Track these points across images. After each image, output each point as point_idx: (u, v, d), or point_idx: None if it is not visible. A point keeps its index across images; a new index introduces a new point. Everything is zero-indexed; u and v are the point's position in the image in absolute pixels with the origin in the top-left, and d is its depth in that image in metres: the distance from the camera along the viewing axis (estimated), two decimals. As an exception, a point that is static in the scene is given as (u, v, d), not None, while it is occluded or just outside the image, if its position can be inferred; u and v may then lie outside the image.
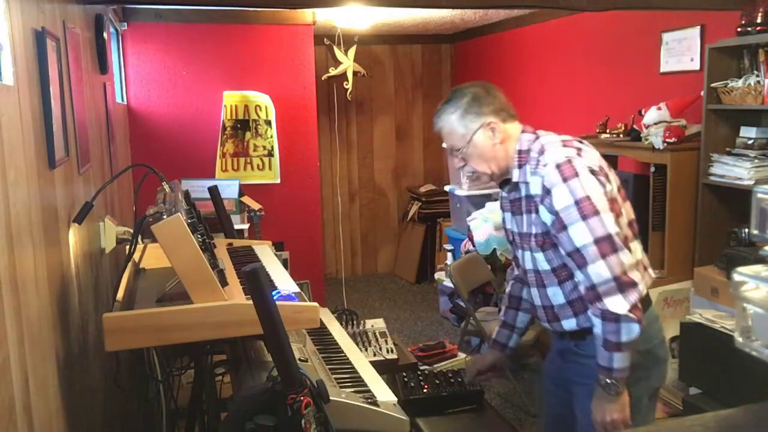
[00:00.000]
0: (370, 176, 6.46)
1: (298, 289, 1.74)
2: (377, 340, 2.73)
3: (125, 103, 4.18)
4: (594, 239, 1.68)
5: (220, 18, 4.35)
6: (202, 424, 2.16)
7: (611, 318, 1.67)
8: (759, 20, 2.92)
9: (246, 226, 3.61)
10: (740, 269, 1.22)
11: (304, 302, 1.63)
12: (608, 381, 1.72)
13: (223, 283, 1.58)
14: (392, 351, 2.66)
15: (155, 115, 4.33)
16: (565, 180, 1.70)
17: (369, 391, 1.69)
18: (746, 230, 2.83)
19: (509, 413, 3.52)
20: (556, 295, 1.83)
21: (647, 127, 3.33)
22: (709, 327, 2.68)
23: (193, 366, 2.08)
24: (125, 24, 4.16)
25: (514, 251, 2.00)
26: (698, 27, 3.46)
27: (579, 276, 1.73)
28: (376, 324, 2.87)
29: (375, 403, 1.60)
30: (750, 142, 2.99)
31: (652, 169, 3.34)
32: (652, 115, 3.34)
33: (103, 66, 2.77)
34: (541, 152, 1.78)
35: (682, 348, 2.94)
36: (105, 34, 2.82)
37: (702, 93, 3.16)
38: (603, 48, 4.28)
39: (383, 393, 1.68)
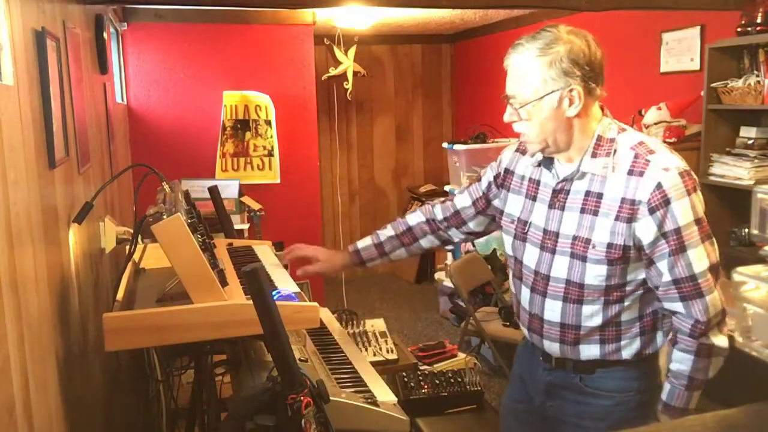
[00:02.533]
0: (370, 176, 6.46)
1: (298, 289, 1.74)
2: (377, 340, 2.72)
3: (125, 103, 4.18)
4: (710, 266, 1.46)
5: (220, 18, 4.35)
6: (202, 424, 2.16)
7: (707, 354, 1.49)
8: (759, 20, 2.92)
9: (246, 226, 3.61)
10: (740, 269, 1.22)
11: (304, 302, 1.63)
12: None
13: (223, 283, 1.58)
14: (392, 351, 2.65)
15: (155, 115, 4.33)
16: (688, 193, 1.44)
17: (369, 391, 1.69)
18: (746, 230, 2.83)
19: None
20: (594, 316, 1.54)
21: (647, 127, 3.33)
22: (709, 327, 2.68)
23: (193, 366, 2.08)
24: (125, 24, 4.16)
25: (517, 245, 1.66)
26: (698, 27, 3.46)
27: (678, 307, 1.48)
28: (376, 324, 2.86)
29: (375, 403, 1.59)
30: (750, 142, 2.99)
31: (652, 169, 3.34)
32: (652, 115, 3.34)
33: (103, 66, 2.77)
34: (650, 151, 1.47)
35: (682, 348, 2.94)
36: (105, 34, 2.82)
37: (702, 93, 3.16)
38: (603, 48, 4.28)
39: (383, 393, 1.68)
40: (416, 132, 6.53)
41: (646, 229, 1.45)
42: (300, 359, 1.63)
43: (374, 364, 2.03)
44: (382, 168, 6.47)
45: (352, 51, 5.53)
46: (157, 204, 1.80)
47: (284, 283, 1.85)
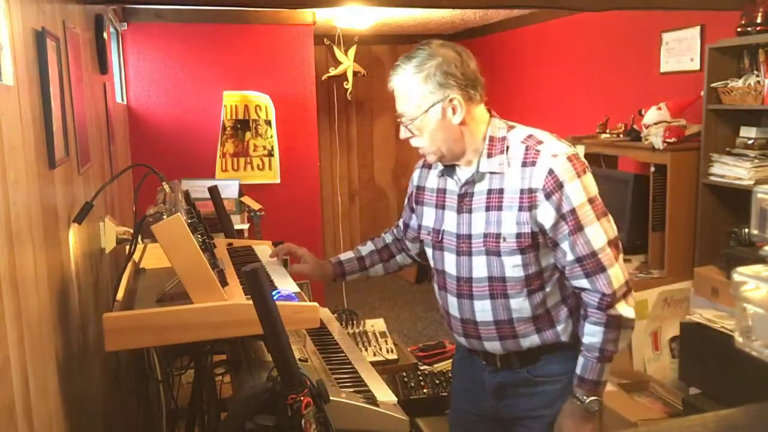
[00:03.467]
0: (370, 176, 6.46)
1: (298, 289, 1.74)
2: (377, 340, 2.73)
3: (125, 103, 4.18)
4: (608, 241, 1.53)
5: (220, 18, 4.35)
6: (202, 424, 2.16)
7: (616, 325, 1.55)
8: (759, 20, 2.92)
9: (246, 226, 3.61)
10: (740, 269, 1.22)
11: (304, 302, 1.63)
12: (593, 398, 1.58)
13: (223, 283, 1.58)
14: (392, 351, 2.66)
15: (155, 115, 4.33)
16: (578, 175, 1.52)
17: (369, 391, 1.69)
18: (746, 230, 2.83)
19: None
20: (522, 308, 1.60)
21: (647, 127, 3.33)
22: (709, 327, 2.68)
23: (193, 366, 2.08)
24: (125, 24, 4.16)
25: (435, 255, 1.71)
26: (698, 27, 3.46)
27: (583, 284, 1.55)
28: (376, 324, 2.87)
29: (375, 403, 1.59)
30: (750, 142, 2.99)
31: (652, 169, 3.34)
32: (652, 115, 3.34)
33: (103, 66, 2.77)
34: (538, 141, 1.56)
35: (682, 348, 2.94)
36: (105, 34, 2.82)
37: (702, 93, 3.16)
38: (603, 48, 4.28)
39: (383, 393, 1.68)
40: (416, 132, 6.53)
41: (545, 214, 1.53)
42: (300, 359, 1.63)
43: (374, 364, 2.04)
44: (382, 168, 6.47)
45: (352, 51, 5.53)
46: (157, 204, 1.80)
47: (284, 283, 1.85)
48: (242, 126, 4.39)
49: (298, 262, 2.02)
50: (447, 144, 1.59)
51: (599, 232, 1.53)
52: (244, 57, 4.42)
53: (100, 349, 1.83)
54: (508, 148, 1.58)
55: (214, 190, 2.43)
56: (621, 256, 1.57)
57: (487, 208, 1.59)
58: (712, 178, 3.10)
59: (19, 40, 1.38)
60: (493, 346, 1.66)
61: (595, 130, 3.89)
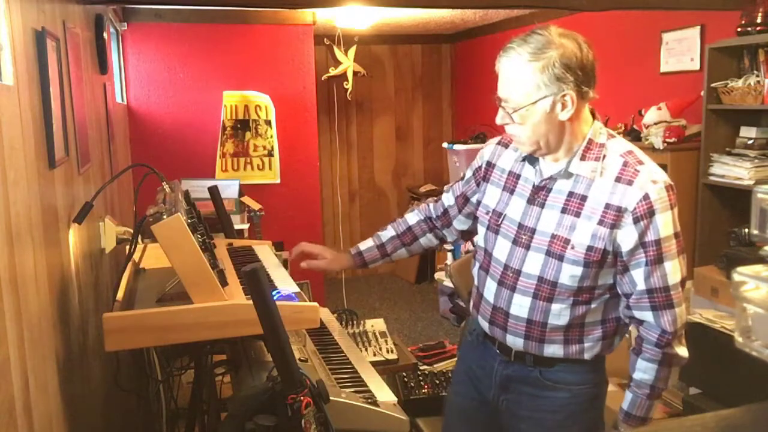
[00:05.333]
0: (370, 176, 6.46)
1: (298, 289, 1.74)
2: (377, 340, 2.72)
3: (125, 103, 4.18)
4: (681, 280, 1.50)
5: (220, 18, 4.35)
6: (202, 424, 2.16)
7: (669, 363, 1.51)
8: (759, 20, 2.92)
9: (246, 226, 3.61)
10: (740, 269, 1.21)
11: (304, 302, 1.63)
12: None
13: (223, 283, 1.58)
14: (392, 351, 2.65)
15: (155, 115, 4.33)
16: (671, 207, 1.47)
17: (369, 391, 1.69)
18: (746, 230, 2.83)
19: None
20: (561, 315, 1.55)
21: (647, 127, 3.33)
22: (709, 327, 2.68)
23: (193, 366, 2.08)
24: (125, 24, 4.16)
25: (489, 236, 1.66)
26: (698, 27, 3.46)
27: (648, 316, 1.50)
28: (376, 324, 2.87)
29: (375, 403, 1.59)
30: (750, 142, 2.99)
31: (652, 169, 3.34)
32: (652, 115, 3.34)
33: (103, 66, 2.77)
34: (639, 161, 1.49)
35: (682, 348, 2.94)
36: (105, 34, 2.82)
37: (702, 93, 3.16)
38: (603, 48, 4.28)
39: (383, 393, 1.68)
40: (416, 132, 6.53)
41: (627, 237, 1.47)
42: (300, 359, 1.63)
43: (374, 364, 2.03)
44: (382, 168, 6.47)
45: (352, 51, 5.53)
46: (157, 204, 1.80)
47: (284, 283, 1.85)
48: (242, 126, 4.39)
49: (314, 259, 1.99)
50: (547, 138, 1.51)
51: (677, 269, 1.49)
52: (244, 57, 4.42)
53: (100, 349, 1.83)
54: (604, 156, 1.51)
55: (214, 190, 2.43)
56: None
57: (564, 210, 1.53)
58: (712, 178, 3.10)
59: (19, 40, 1.38)
60: (515, 341, 1.62)
61: (595, 130, 3.89)
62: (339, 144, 6.18)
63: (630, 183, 1.46)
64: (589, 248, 1.49)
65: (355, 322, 2.86)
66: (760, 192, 2.31)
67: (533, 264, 1.56)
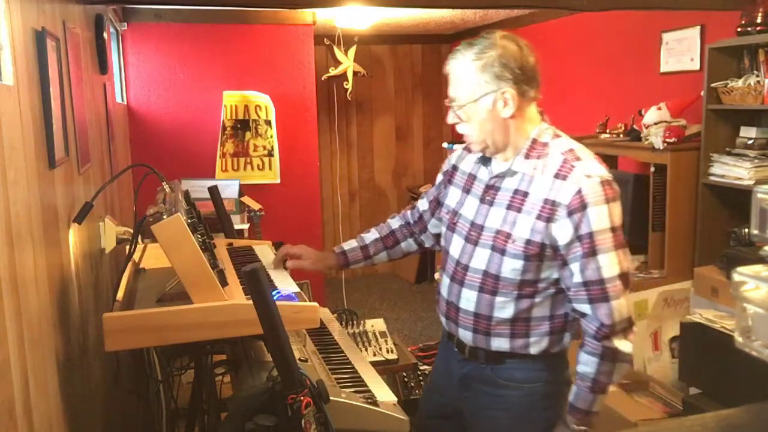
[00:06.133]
0: (370, 176, 6.46)
1: (298, 289, 1.74)
2: (377, 340, 2.72)
3: (125, 103, 4.18)
4: (620, 273, 1.51)
5: (220, 18, 4.34)
6: (202, 424, 2.16)
7: (611, 358, 1.54)
8: (759, 20, 2.92)
9: (246, 226, 3.61)
10: (740, 269, 1.22)
11: (304, 302, 1.63)
12: (582, 427, 1.59)
13: (223, 283, 1.58)
14: (392, 351, 2.65)
15: (155, 115, 4.33)
16: (607, 201, 1.51)
17: (369, 391, 1.69)
18: (746, 230, 2.83)
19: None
20: (506, 308, 1.60)
21: (647, 127, 3.33)
22: (709, 327, 2.68)
23: (193, 366, 2.08)
24: (125, 24, 4.16)
25: (447, 235, 1.75)
26: (698, 27, 3.46)
27: (586, 309, 1.54)
28: (376, 324, 2.87)
29: (375, 403, 1.59)
30: (750, 142, 2.99)
31: (652, 169, 3.34)
32: (652, 115, 3.34)
33: (103, 66, 2.77)
34: (576, 158, 1.56)
35: (682, 348, 2.94)
36: (105, 34, 2.82)
37: (702, 93, 3.16)
38: (603, 48, 4.28)
39: (383, 393, 1.68)
40: (416, 132, 6.53)
41: (562, 231, 1.52)
42: (300, 359, 1.63)
43: (374, 364, 2.03)
44: (382, 168, 6.47)
45: (352, 51, 5.53)
46: (157, 204, 1.80)
47: (284, 283, 1.85)
48: (242, 126, 4.39)
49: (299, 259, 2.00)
50: (493, 136, 1.59)
51: (613, 263, 1.51)
52: (244, 57, 4.42)
53: (100, 349, 1.83)
54: (547, 154, 1.58)
55: (214, 190, 2.43)
56: (628, 292, 1.55)
57: (508, 207, 1.60)
58: (712, 178, 3.10)
59: (19, 40, 1.38)
60: (466, 335, 1.69)
61: (595, 130, 3.89)
62: (339, 144, 6.18)
63: (565, 178, 1.53)
64: (528, 242, 1.55)
65: (355, 322, 2.86)
66: (760, 192, 2.31)
67: (479, 259, 1.63)
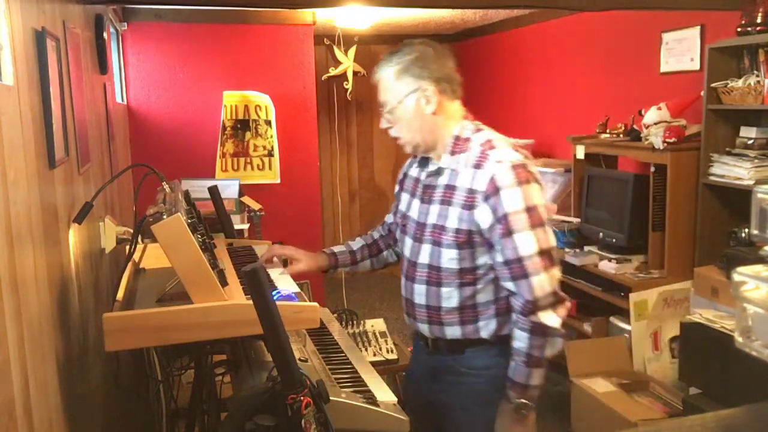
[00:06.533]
0: (370, 176, 6.46)
1: (298, 289, 1.74)
2: (377, 340, 2.73)
3: (125, 103, 4.18)
4: (539, 251, 1.59)
5: (220, 18, 4.34)
6: (202, 424, 2.16)
7: (541, 332, 1.61)
8: (759, 20, 2.92)
9: (246, 226, 3.61)
10: (740, 269, 1.22)
11: (304, 302, 1.63)
12: (522, 401, 1.64)
13: (223, 283, 1.58)
14: (392, 351, 2.66)
15: (155, 115, 4.33)
16: (519, 183, 1.59)
17: (369, 391, 1.69)
18: (746, 230, 2.83)
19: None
20: (451, 297, 1.70)
21: (647, 127, 3.33)
22: (709, 327, 2.68)
23: (193, 366, 2.08)
24: (125, 24, 4.16)
25: (401, 238, 1.85)
26: (698, 27, 3.46)
27: (510, 287, 1.63)
28: (376, 324, 2.87)
29: (375, 403, 1.60)
30: (750, 142, 2.99)
31: (652, 169, 3.34)
32: (652, 115, 3.34)
33: (103, 66, 2.77)
34: (490, 147, 1.66)
35: (682, 348, 2.94)
36: (105, 34, 2.82)
37: (702, 93, 3.16)
38: (603, 48, 4.28)
39: (383, 393, 1.68)
40: (416, 132, 6.52)
41: (483, 215, 1.62)
42: (300, 359, 1.63)
43: (374, 364, 2.04)
44: (382, 168, 6.47)
45: (352, 51, 5.53)
46: (157, 204, 1.80)
47: (284, 283, 1.85)
48: (242, 126, 4.39)
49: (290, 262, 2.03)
50: (421, 134, 1.71)
51: (529, 241, 1.59)
52: (244, 57, 4.42)
53: (100, 349, 1.83)
54: (469, 149, 1.68)
55: (214, 190, 2.43)
56: (555, 269, 1.63)
57: (441, 201, 1.70)
58: (712, 178, 3.10)
59: (19, 40, 1.38)
60: (423, 328, 1.78)
61: (595, 130, 3.89)
62: (339, 144, 6.18)
63: (480, 167, 1.64)
64: (457, 231, 1.65)
65: (355, 322, 2.86)
66: (760, 192, 2.31)
67: (424, 254, 1.73)
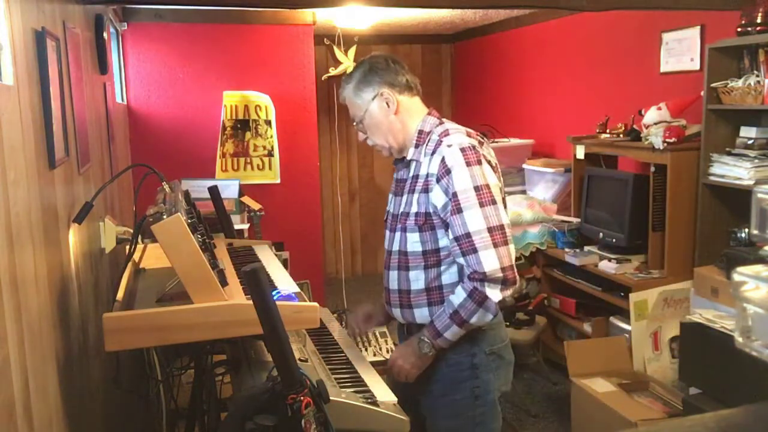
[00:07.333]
0: (370, 176, 6.46)
1: (298, 289, 1.74)
2: (377, 340, 2.73)
3: (125, 103, 4.18)
4: (488, 227, 1.68)
5: (220, 18, 4.35)
6: (202, 424, 2.16)
7: (478, 300, 1.69)
8: (759, 20, 2.92)
9: (246, 226, 3.61)
10: (740, 269, 1.21)
11: (304, 302, 1.63)
12: (429, 341, 1.75)
13: (223, 283, 1.58)
14: (392, 351, 2.65)
15: (155, 115, 4.33)
16: (468, 164, 1.70)
17: (369, 391, 1.69)
18: (746, 230, 2.82)
19: (509, 413, 3.52)
20: (418, 279, 1.82)
21: (647, 127, 3.33)
22: (709, 327, 2.68)
23: (193, 366, 2.08)
24: (125, 24, 4.16)
25: (385, 233, 1.97)
26: (698, 27, 3.46)
27: (462, 262, 1.72)
28: (376, 324, 2.86)
29: (375, 403, 1.59)
30: (750, 142, 2.99)
31: (652, 169, 3.34)
32: (652, 115, 3.34)
33: (103, 66, 2.77)
34: (445, 134, 1.78)
35: (682, 348, 2.94)
36: (105, 34, 2.82)
37: (702, 93, 3.16)
38: (603, 48, 4.28)
39: (383, 393, 1.68)
40: (416, 132, 6.52)
41: (437, 197, 1.74)
42: (300, 359, 1.63)
43: (374, 364, 2.03)
44: (382, 168, 6.47)
45: (352, 51, 5.53)
46: (157, 204, 1.80)
47: (284, 283, 1.85)
48: (242, 126, 4.39)
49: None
50: (391, 135, 1.85)
51: (478, 217, 1.68)
52: (244, 57, 4.42)
53: (100, 349, 1.83)
54: (430, 140, 1.80)
55: (214, 190, 2.43)
56: (507, 247, 1.70)
57: (408, 191, 1.83)
58: (712, 178, 3.10)
59: (19, 40, 1.38)
60: (396, 313, 1.90)
61: (595, 130, 3.89)
62: (339, 144, 6.18)
63: (434, 153, 1.76)
64: (416, 214, 1.78)
65: (348, 319, 2.86)
66: (760, 192, 2.31)
67: (395, 242, 1.86)
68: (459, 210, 1.69)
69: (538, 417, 3.50)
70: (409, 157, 1.84)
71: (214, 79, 4.37)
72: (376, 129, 1.85)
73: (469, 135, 1.79)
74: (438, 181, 1.72)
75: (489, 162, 1.76)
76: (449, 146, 1.73)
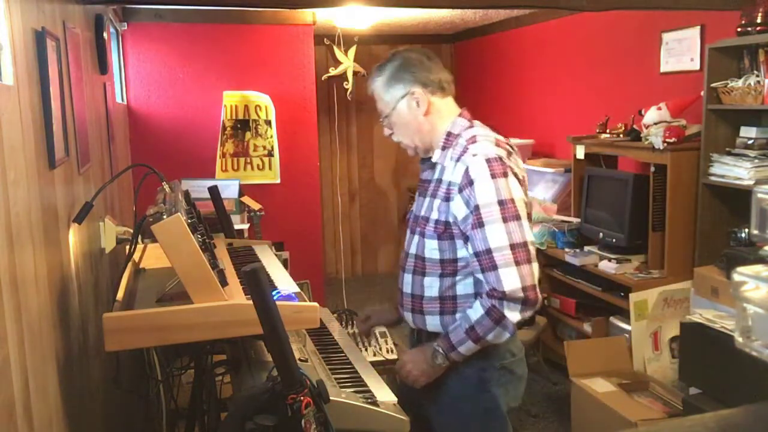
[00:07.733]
0: (370, 176, 6.46)
1: (298, 289, 1.74)
2: (377, 340, 2.72)
3: (125, 103, 4.18)
4: (510, 244, 1.60)
5: (220, 18, 4.35)
6: (202, 424, 2.16)
7: (496, 319, 1.62)
8: (759, 20, 2.92)
9: (246, 226, 3.61)
10: (740, 269, 1.21)
11: (304, 302, 1.63)
12: (443, 352, 1.69)
13: (223, 283, 1.58)
14: (392, 351, 2.65)
15: (155, 115, 4.33)
16: (493, 176, 1.62)
17: (369, 391, 1.69)
18: (746, 230, 2.82)
19: (509, 413, 3.51)
20: (432, 286, 1.75)
21: (647, 127, 3.32)
22: (709, 327, 2.68)
23: (193, 366, 2.08)
24: (125, 24, 4.16)
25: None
26: (698, 27, 3.46)
27: (481, 278, 1.65)
28: (376, 324, 2.86)
29: (375, 403, 1.59)
30: (750, 142, 2.99)
31: (652, 169, 3.34)
32: (652, 115, 3.34)
33: (103, 66, 2.77)
34: (473, 141, 1.70)
35: (682, 348, 2.94)
36: (105, 34, 2.82)
37: (702, 93, 3.16)
38: (603, 48, 4.28)
39: (383, 393, 1.68)
40: (416, 132, 6.52)
41: (458, 207, 1.66)
42: (300, 359, 1.63)
43: (374, 364, 2.03)
44: (382, 168, 6.47)
45: (352, 51, 5.53)
46: (157, 204, 1.80)
47: (284, 283, 1.85)
48: (242, 126, 4.39)
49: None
50: (419, 135, 1.78)
51: (500, 233, 1.60)
52: (244, 57, 4.42)
53: (100, 349, 1.83)
54: (457, 144, 1.73)
55: (214, 190, 2.43)
56: (529, 264, 1.62)
57: (431, 195, 1.76)
58: (712, 178, 3.10)
59: (19, 40, 1.38)
60: (408, 317, 1.85)
61: (595, 130, 3.89)
62: (339, 144, 6.17)
63: (459, 160, 1.68)
64: (436, 222, 1.71)
65: (355, 322, 2.86)
66: (760, 192, 2.31)
67: (413, 245, 1.79)
68: (480, 224, 1.61)
69: (538, 417, 3.50)
70: (434, 159, 1.77)
71: (214, 79, 4.37)
72: (404, 128, 1.78)
73: (497, 144, 1.70)
74: (460, 191, 1.64)
75: (516, 174, 1.67)
76: (474, 155, 1.64)
